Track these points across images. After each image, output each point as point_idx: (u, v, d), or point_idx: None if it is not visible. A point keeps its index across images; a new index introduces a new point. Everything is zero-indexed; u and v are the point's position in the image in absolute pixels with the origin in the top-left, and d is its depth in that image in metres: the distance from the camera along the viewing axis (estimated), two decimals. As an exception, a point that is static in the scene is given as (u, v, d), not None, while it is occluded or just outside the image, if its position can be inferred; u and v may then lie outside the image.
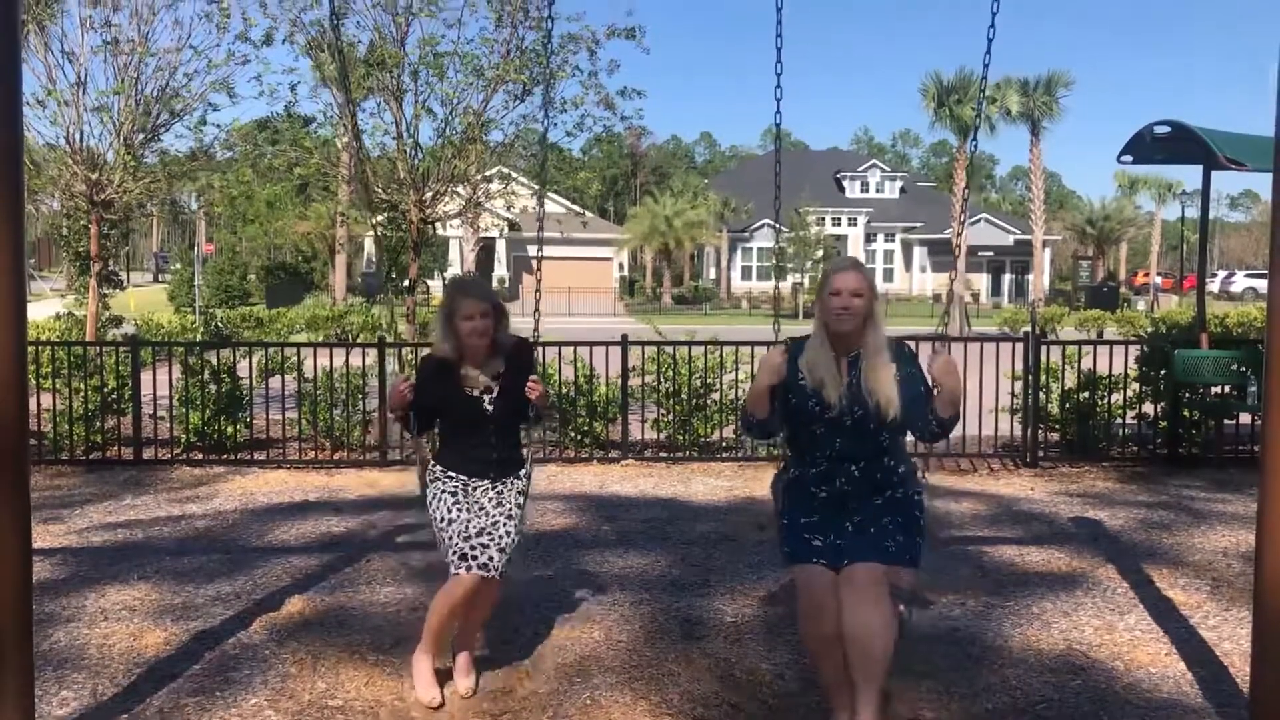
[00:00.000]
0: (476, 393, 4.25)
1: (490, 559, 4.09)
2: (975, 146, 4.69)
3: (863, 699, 3.55)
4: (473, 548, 4.09)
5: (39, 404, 9.10)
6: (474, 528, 4.15)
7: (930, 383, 3.79)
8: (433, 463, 4.37)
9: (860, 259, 54.30)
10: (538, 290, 4.60)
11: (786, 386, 3.81)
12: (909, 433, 3.91)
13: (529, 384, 4.22)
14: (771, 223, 52.55)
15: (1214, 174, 9.40)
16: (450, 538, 4.14)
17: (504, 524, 4.19)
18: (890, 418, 3.69)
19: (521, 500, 4.34)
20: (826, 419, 3.74)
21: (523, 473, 4.40)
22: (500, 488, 4.29)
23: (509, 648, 4.74)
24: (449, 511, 4.21)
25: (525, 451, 4.45)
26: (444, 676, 4.30)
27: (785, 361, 3.81)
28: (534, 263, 4.70)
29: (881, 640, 3.54)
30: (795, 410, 3.81)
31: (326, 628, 5.02)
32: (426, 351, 4.42)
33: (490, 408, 4.25)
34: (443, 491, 4.26)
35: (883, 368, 3.70)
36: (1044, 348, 9.46)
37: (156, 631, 4.95)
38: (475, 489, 4.27)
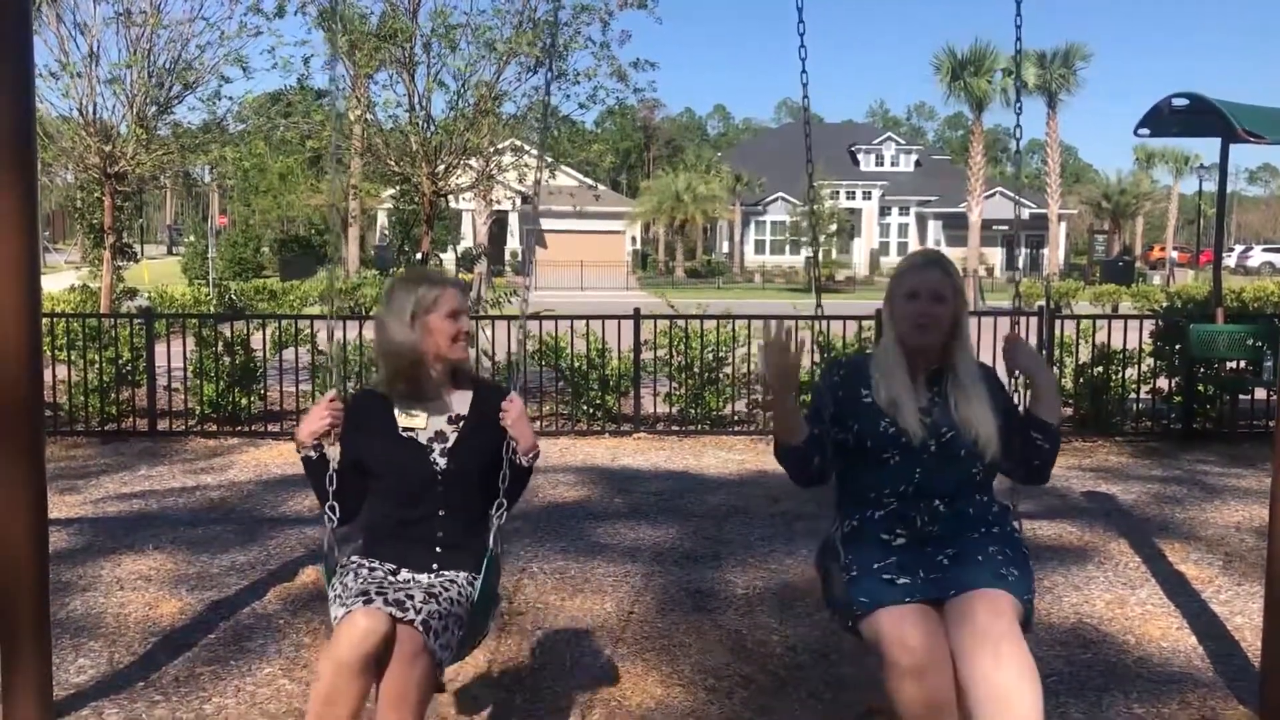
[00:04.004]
0: (422, 438, 3.00)
1: (410, 597, 2.75)
2: (1020, 110, 4.35)
3: None
4: (380, 589, 2.78)
5: (54, 376, 9.15)
6: (390, 582, 2.88)
7: (1009, 390, 3.12)
8: (350, 555, 3.05)
9: (876, 233, 53.64)
10: (530, 254, 4.32)
11: (842, 408, 3.03)
12: (1001, 473, 3.12)
13: (504, 405, 2.97)
14: (786, 196, 52.38)
15: (1232, 147, 9.35)
16: (351, 593, 2.78)
17: (441, 590, 2.86)
18: (990, 452, 2.97)
19: (475, 585, 2.94)
20: (903, 444, 2.96)
21: (485, 562, 2.95)
22: (445, 576, 2.95)
23: (521, 618, 4.77)
24: (355, 580, 2.88)
25: (492, 537, 2.99)
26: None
27: (794, 360, 2.91)
28: (544, 235, 4.46)
29: (1028, 699, 2.53)
30: (859, 436, 3.01)
31: (340, 598, 5.05)
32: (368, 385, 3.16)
33: (441, 462, 2.99)
34: (352, 570, 2.96)
35: (976, 397, 2.99)
36: (1058, 322, 9.42)
37: (172, 601, 5.00)
38: (407, 582, 2.93)
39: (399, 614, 2.66)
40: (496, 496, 2.99)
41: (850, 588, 2.87)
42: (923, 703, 2.63)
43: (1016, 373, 3.14)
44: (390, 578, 2.92)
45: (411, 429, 3.01)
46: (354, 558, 3.03)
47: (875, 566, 2.88)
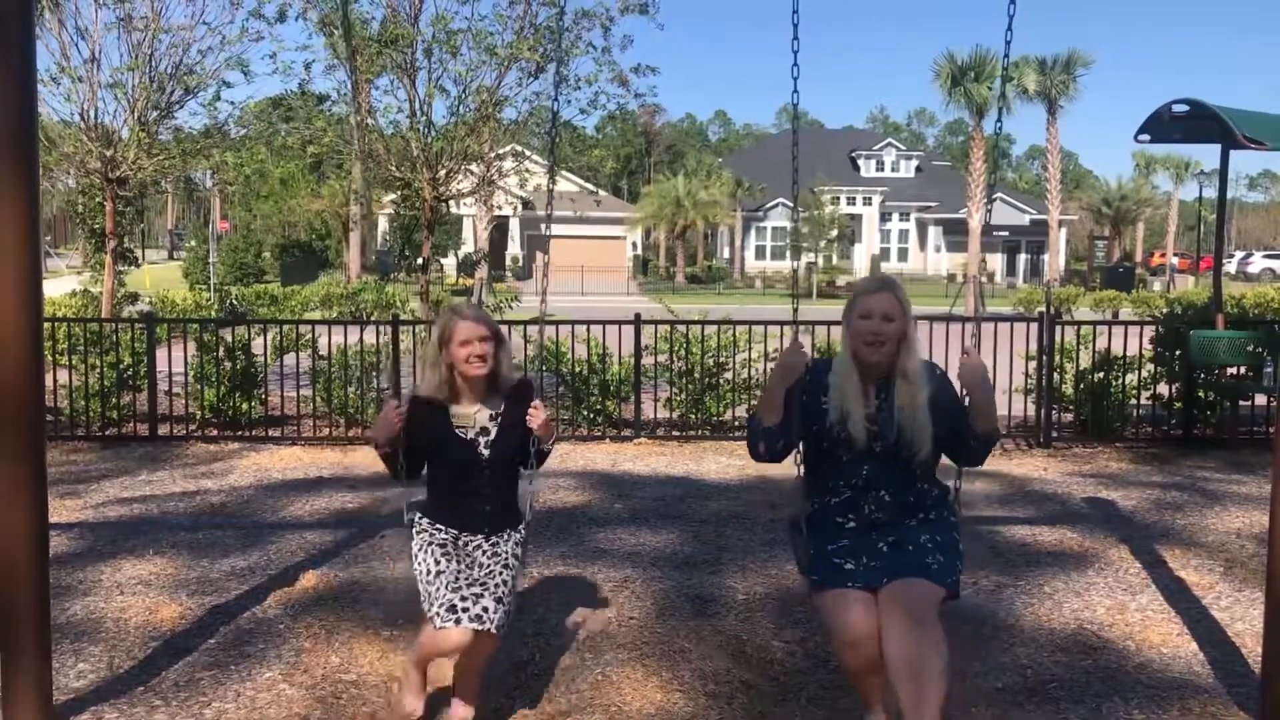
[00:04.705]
0: (471, 434, 3.82)
1: (485, 609, 3.59)
2: (1000, 127, 4.44)
3: None
4: (463, 599, 3.60)
5: (55, 380, 9.15)
6: (465, 578, 3.70)
7: (961, 395, 3.53)
8: (419, 515, 3.94)
9: (877, 240, 53.82)
10: (545, 269, 4.40)
11: (806, 410, 3.51)
12: (945, 457, 3.60)
13: (530, 410, 3.78)
14: (786, 202, 52.40)
15: (1232, 153, 9.33)
16: (438, 589, 3.66)
17: (500, 573, 3.74)
18: (923, 455, 3.44)
19: (520, 552, 3.90)
20: (853, 448, 3.46)
21: (521, 526, 3.95)
22: (496, 540, 3.86)
23: (521, 624, 4.76)
24: (436, 563, 3.75)
25: (526, 499, 3.98)
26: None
27: (804, 358, 3.50)
28: (547, 242, 4.47)
29: (933, 666, 3.13)
30: (817, 437, 3.51)
31: (340, 603, 5.05)
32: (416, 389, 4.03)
33: (486, 452, 3.82)
34: (431, 543, 3.83)
35: (919, 401, 3.41)
36: (1059, 328, 9.43)
37: (172, 605, 4.99)
38: (468, 544, 3.85)
39: (479, 627, 3.56)
40: (527, 471, 3.89)
41: (809, 564, 3.52)
42: (857, 664, 3.37)
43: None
44: (457, 550, 3.80)
45: (462, 426, 3.82)
46: (423, 520, 3.88)
47: (829, 549, 3.48)
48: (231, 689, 4.11)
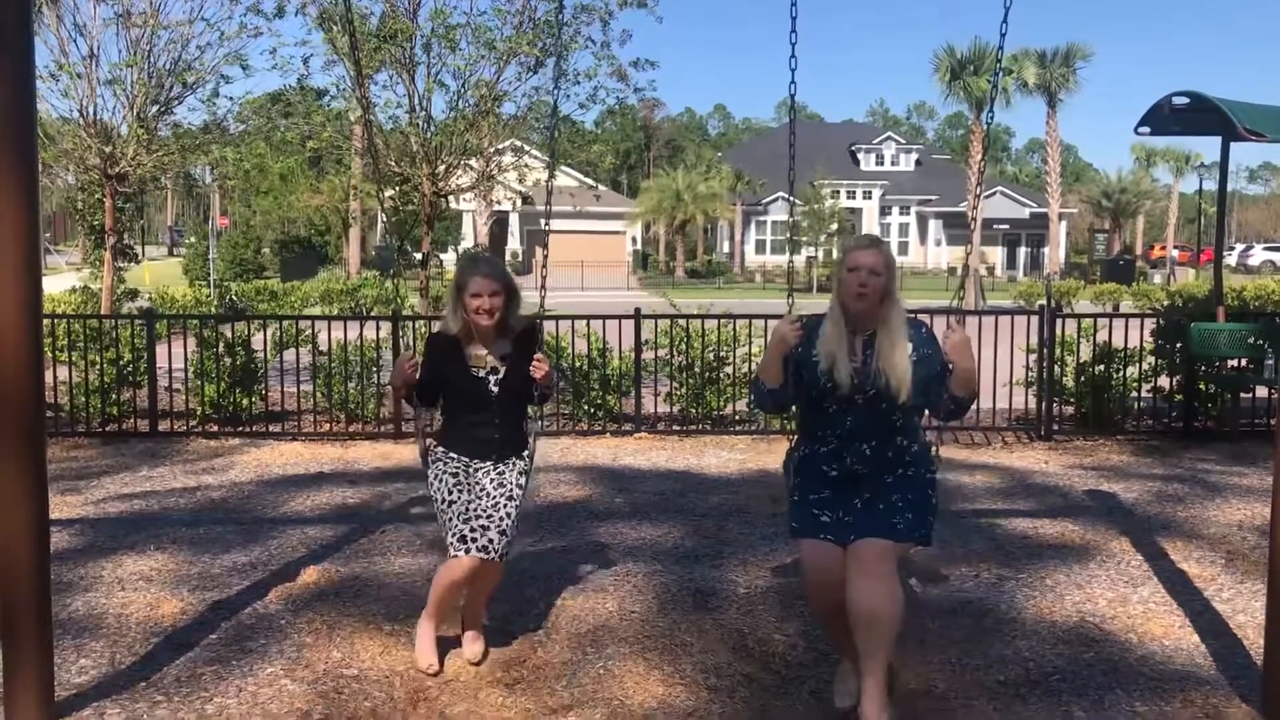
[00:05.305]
0: (482, 372, 4.23)
1: (490, 541, 4.05)
2: (991, 118, 4.53)
3: (869, 674, 3.51)
4: (472, 530, 4.06)
5: (55, 377, 9.15)
6: (474, 510, 4.12)
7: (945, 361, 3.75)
8: (434, 442, 4.36)
9: (877, 233, 54.32)
10: (544, 265, 4.47)
11: (799, 361, 3.78)
12: (925, 411, 3.88)
13: (534, 363, 4.17)
14: (786, 196, 52.38)
15: (1233, 146, 9.33)
16: (450, 519, 4.13)
17: (504, 505, 4.15)
18: (903, 399, 3.66)
19: (523, 481, 4.29)
20: (837, 397, 3.72)
21: (525, 453, 4.35)
22: (502, 468, 4.26)
23: (523, 618, 4.76)
24: (449, 493, 4.20)
25: (529, 432, 4.39)
26: (452, 644, 4.35)
27: (797, 331, 3.75)
28: (545, 236, 4.54)
29: (886, 615, 3.50)
30: (807, 387, 3.78)
31: (342, 598, 5.05)
32: (437, 327, 4.45)
33: (495, 389, 4.22)
34: (444, 472, 4.25)
35: (898, 347, 3.67)
36: (1059, 321, 9.42)
37: (173, 601, 4.99)
38: (477, 470, 4.25)
39: (485, 556, 4.05)
40: (532, 405, 4.38)
41: (791, 509, 3.86)
42: (824, 605, 3.72)
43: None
44: (467, 478, 4.22)
45: (475, 365, 4.22)
46: (439, 448, 4.33)
47: (811, 498, 3.80)
48: (233, 684, 4.11)
